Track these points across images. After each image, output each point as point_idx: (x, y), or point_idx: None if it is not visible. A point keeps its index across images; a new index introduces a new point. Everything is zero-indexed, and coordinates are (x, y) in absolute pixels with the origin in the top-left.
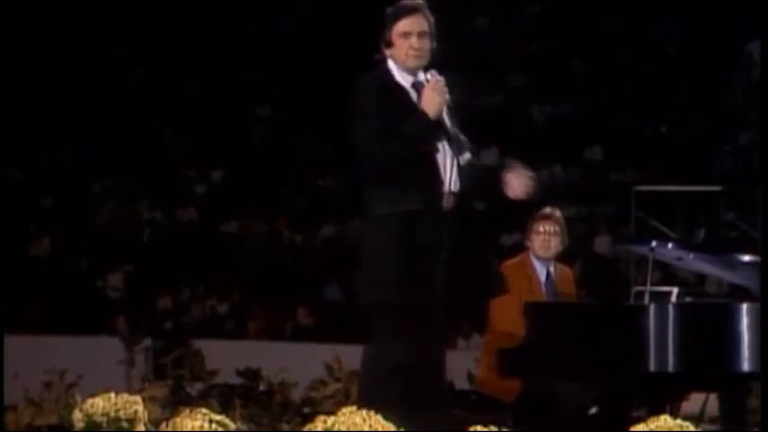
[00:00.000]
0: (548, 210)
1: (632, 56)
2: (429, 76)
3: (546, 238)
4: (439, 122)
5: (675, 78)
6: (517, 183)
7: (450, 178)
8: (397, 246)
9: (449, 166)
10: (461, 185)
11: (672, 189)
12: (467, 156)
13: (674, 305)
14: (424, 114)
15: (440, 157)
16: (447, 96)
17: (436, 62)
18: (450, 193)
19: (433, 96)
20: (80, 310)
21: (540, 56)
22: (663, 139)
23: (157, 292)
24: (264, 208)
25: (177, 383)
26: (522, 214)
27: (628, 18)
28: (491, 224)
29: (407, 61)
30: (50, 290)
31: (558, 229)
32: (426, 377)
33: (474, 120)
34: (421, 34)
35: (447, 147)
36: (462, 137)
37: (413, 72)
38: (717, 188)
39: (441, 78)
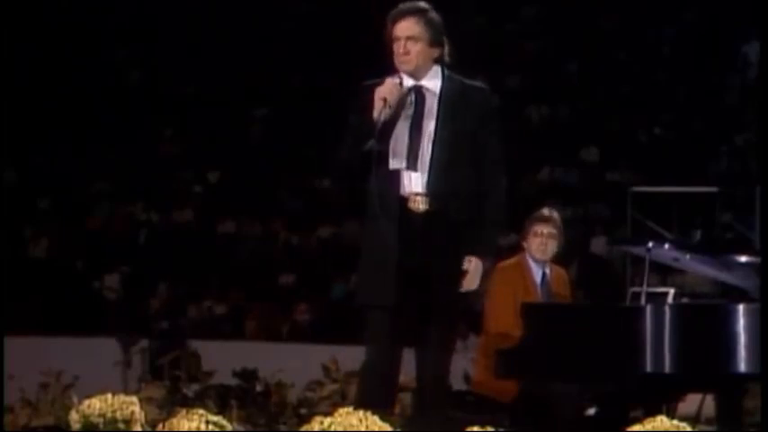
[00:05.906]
0: (546, 212)
1: (628, 57)
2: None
3: (543, 240)
4: (386, 125)
5: (672, 79)
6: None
7: (413, 181)
8: (363, 250)
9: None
10: (437, 187)
11: (668, 190)
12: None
13: (671, 306)
14: (367, 116)
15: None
16: (391, 100)
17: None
18: (420, 194)
19: (375, 99)
20: (76, 311)
21: (536, 57)
22: (659, 140)
23: (154, 293)
24: (261, 209)
25: (174, 384)
26: (520, 215)
27: (624, 19)
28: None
29: (399, 66)
30: (47, 291)
31: (555, 231)
32: (386, 377)
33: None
34: (409, 39)
35: (412, 149)
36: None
37: (408, 75)
38: (713, 189)
39: (391, 81)
